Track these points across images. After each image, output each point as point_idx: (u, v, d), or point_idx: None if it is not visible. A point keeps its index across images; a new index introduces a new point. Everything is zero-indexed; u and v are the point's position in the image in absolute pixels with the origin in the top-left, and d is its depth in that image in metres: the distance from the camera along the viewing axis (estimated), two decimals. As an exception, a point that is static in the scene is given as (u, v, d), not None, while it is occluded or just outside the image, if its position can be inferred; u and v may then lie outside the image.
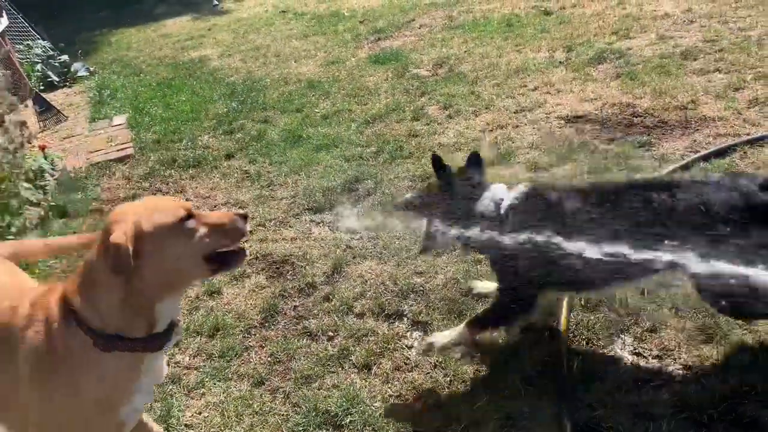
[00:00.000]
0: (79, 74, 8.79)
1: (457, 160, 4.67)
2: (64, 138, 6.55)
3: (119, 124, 6.59)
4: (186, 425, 2.79)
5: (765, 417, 2.37)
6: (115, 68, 9.18)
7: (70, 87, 8.56)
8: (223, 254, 1.91)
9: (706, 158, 4.18)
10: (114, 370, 1.82)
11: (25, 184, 4.66)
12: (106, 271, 1.71)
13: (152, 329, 1.85)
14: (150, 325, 1.84)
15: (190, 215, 1.82)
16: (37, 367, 1.79)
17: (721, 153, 4.22)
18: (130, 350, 1.81)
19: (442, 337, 2.99)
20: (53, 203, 4.76)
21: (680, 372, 2.68)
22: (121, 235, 1.67)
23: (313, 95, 6.66)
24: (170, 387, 2.98)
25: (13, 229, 4.16)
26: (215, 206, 4.68)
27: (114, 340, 1.79)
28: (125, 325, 1.79)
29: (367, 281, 3.55)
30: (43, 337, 1.79)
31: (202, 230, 1.83)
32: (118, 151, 5.87)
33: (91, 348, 1.77)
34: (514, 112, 5.43)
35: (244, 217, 1.93)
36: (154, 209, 1.79)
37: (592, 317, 3.02)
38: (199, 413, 2.84)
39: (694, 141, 4.49)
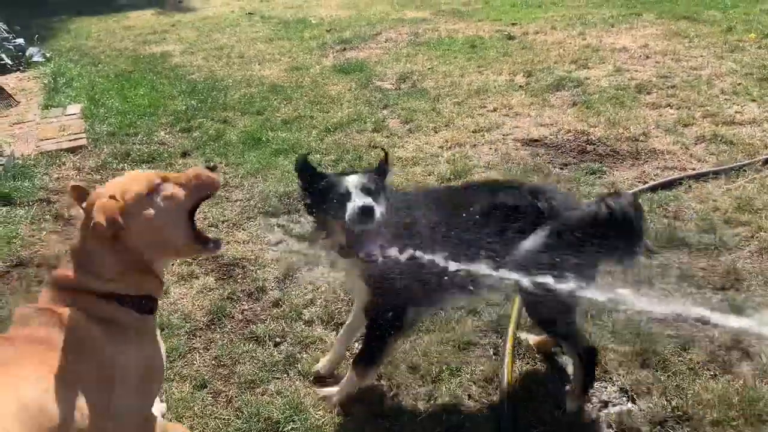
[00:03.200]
0: (35, 59, 8.51)
1: (414, 175, 4.73)
2: (14, 123, 6.34)
3: (73, 114, 6.42)
4: (123, 425, 2.72)
5: (694, 441, 2.46)
6: (73, 56, 8.94)
7: (23, 71, 8.28)
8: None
9: (653, 189, 4.34)
10: (153, 327, 2.12)
11: (-32, 168, 4.51)
12: (98, 246, 1.91)
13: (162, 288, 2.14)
14: (160, 284, 2.11)
15: (164, 180, 2.03)
16: (108, 353, 1.89)
17: (668, 185, 4.39)
18: (155, 308, 2.10)
19: (334, 392, 2.78)
20: (-2, 189, 4.61)
21: (617, 394, 2.76)
22: (99, 214, 1.84)
23: (275, 99, 6.63)
24: (109, 385, 2.91)
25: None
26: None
27: (147, 302, 2.04)
28: (147, 285, 2.03)
29: (318, 288, 3.55)
30: (92, 329, 1.89)
31: (178, 190, 2.03)
32: (70, 141, 5.71)
33: (133, 315, 1.99)
34: (473, 132, 5.52)
35: (213, 168, 2.18)
36: (132, 181, 2.00)
37: (536, 336, 3.08)
38: (138, 413, 2.78)
39: (643, 172, 4.65)
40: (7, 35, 8.63)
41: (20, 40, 8.69)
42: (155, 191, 1.99)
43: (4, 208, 4.52)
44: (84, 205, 1.99)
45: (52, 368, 1.75)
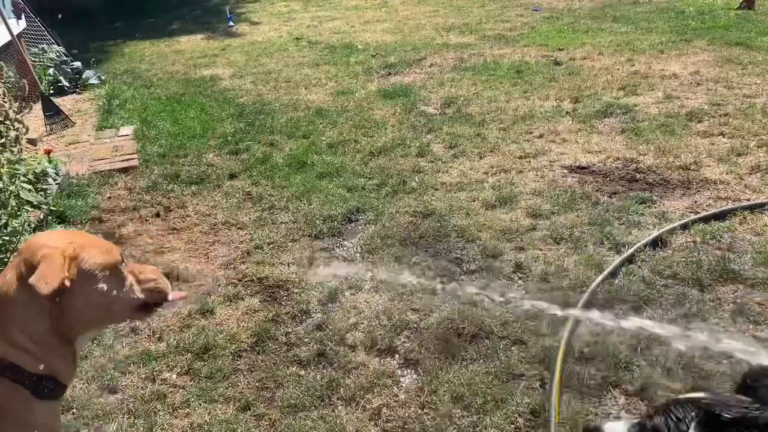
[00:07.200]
0: (90, 82, 8.83)
1: (458, 200, 4.70)
2: (69, 144, 6.57)
3: (126, 135, 6.61)
4: (167, 445, 2.74)
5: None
6: (126, 79, 9.23)
7: (80, 93, 8.59)
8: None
9: (706, 220, 4.23)
10: (51, 420, 1.69)
11: (27, 186, 4.66)
12: (33, 302, 1.56)
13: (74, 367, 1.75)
14: (73, 363, 1.74)
15: (124, 260, 1.75)
16: None
17: (720, 216, 4.27)
18: (61, 394, 1.69)
19: None
20: (53, 207, 4.75)
21: (669, 433, 2.66)
22: (57, 266, 1.55)
23: (320, 123, 6.71)
24: (155, 404, 2.95)
25: (9, 229, 4.14)
26: (215, 225, 4.68)
27: (50, 383, 1.64)
28: (58, 363, 1.66)
29: (361, 313, 3.54)
30: None
31: (131, 279, 1.74)
32: (122, 161, 5.88)
33: (28, 399, 1.61)
34: (518, 158, 5.48)
35: (168, 276, 1.90)
36: (93, 245, 1.70)
37: (585, 370, 3.01)
38: (182, 434, 2.80)
39: (695, 202, 4.53)
40: (65, 59, 8.97)
41: (77, 64, 9.02)
42: (116, 271, 1.71)
43: (59, 226, 4.65)
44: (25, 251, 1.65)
45: None
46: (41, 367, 1.61)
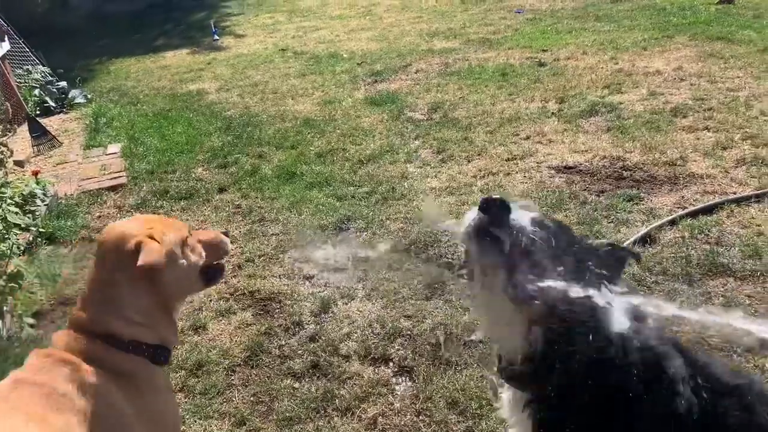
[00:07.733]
0: (77, 101, 8.80)
1: (448, 204, 4.71)
2: (57, 164, 6.55)
3: (113, 153, 6.60)
4: (163, 463, 2.73)
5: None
6: (113, 97, 9.22)
7: (66, 113, 8.57)
8: (211, 269, 2.08)
9: (693, 214, 4.26)
10: (167, 382, 2.05)
11: (13, 209, 4.63)
12: (133, 281, 1.83)
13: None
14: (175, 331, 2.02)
15: (191, 234, 2.03)
16: (123, 414, 1.74)
17: (708, 210, 4.30)
18: (170, 359, 1.97)
19: None
20: (42, 229, 4.73)
21: None
22: (149, 254, 1.79)
23: (308, 133, 6.71)
24: (149, 423, 2.94)
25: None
26: (205, 240, 4.67)
27: (164, 351, 1.92)
28: (166, 332, 1.94)
29: (354, 322, 3.54)
30: (106, 380, 1.73)
31: (199, 246, 2.01)
32: (110, 179, 5.87)
33: (149, 366, 1.86)
34: (506, 160, 5.50)
35: (226, 234, 2.16)
36: (168, 227, 1.95)
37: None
38: (178, 451, 2.79)
39: (682, 197, 4.56)
40: (51, 79, 8.95)
41: (63, 83, 9.00)
42: (186, 243, 1.96)
43: (48, 247, 4.64)
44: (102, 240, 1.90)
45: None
46: (154, 337, 1.88)
